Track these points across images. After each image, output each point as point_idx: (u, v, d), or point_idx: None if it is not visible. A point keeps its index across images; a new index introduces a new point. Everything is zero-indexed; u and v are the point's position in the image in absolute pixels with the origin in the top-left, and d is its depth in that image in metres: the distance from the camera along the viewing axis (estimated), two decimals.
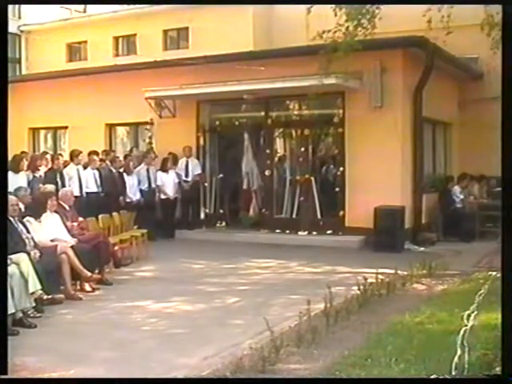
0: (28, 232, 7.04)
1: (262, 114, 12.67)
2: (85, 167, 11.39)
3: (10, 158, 8.14)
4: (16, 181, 8.95)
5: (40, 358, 4.99)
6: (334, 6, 9.02)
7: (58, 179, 10.54)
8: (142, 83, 12.69)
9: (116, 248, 8.90)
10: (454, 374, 3.89)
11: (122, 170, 11.99)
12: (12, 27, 16.47)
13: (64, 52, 17.89)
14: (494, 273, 7.22)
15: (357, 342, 5.19)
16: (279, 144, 13.56)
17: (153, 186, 12.46)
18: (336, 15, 9.01)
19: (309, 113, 12.39)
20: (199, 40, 15.25)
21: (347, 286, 7.19)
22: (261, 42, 14.45)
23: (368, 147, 11.27)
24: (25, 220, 7.22)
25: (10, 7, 15.89)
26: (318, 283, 7.51)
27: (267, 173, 12.60)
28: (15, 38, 18.18)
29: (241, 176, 13.03)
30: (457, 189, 12.79)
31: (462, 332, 4.21)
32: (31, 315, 6.17)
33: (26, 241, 6.88)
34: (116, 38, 17.38)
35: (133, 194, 11.93)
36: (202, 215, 13.24)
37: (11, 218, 6.69)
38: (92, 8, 17.93)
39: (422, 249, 11.02)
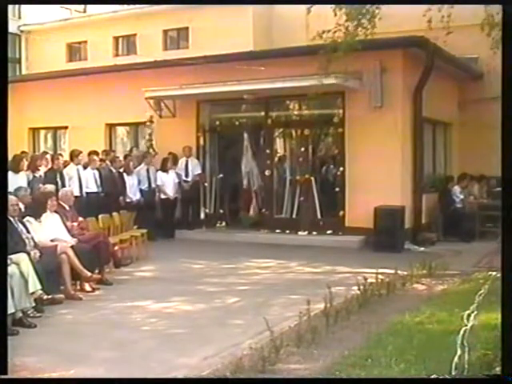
0: (28, 232, 7.04)
1: (262, 114, 12.67)
2: (85, 167, 11.39)
3: (10, 157, 8.14)
4: (16, 181, 8.96)
5: (40, 358, 4.99)
6: (333, 5, 9.02)
7: (58, 179, 10.54)
8: (142, 83, 12.69)
9: (116, 248, 8.90)
10: (453, 373, 3.89)
11: (121, 170, 11.99)
12: (12, 27, 16.46)
13: (64, 52, 17.87)
14: (493, 273, 7.21)
15: (357, 342, 5.19)
16: (279, 144, 13.57)
17: (153, 185, 12.47)
18: (336, 15, 9.00)
19: (309, 113, 12.39)
20: (199, 40, 15.24)
21: (347, 286, 7.19)
22: (261, 42, 14.44)
23: (368, 147, 11.27)
24: (25, 220, 7.22)
25: (10, 7, 15.88)
26: (317, 283, 7.51)
27: (267, 173, 12.61)
28: (15, 38, 18.17)
29: (241, 176, 13.03)
30: (457, 189, 12.79)
31: (461, 332, 4.20)
32: (31, 315, 6.17)
33: (26, 241, 6.88)
34: (116, 38, 17.36)
35: (133, 193, 11.94)
36: (202, 215, 13.24)
37: (11, 218, 6.69)
38: (92, 8, 17.92)
39: (422, 249, 11.02)
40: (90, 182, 11.27)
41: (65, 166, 11.19)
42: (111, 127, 14.70)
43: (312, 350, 5.00)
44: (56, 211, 8.03)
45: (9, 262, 5.62)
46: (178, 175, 12.72)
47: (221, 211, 13.26)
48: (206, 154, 13.38)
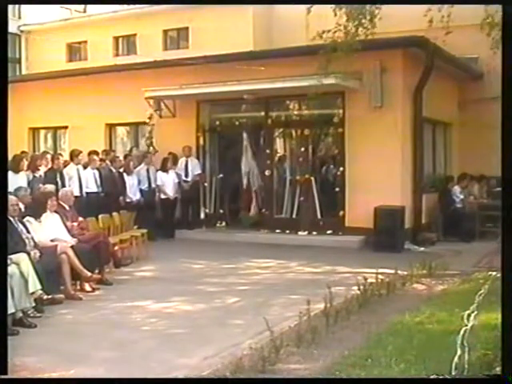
0: (28, 232, 7.04)
1: (262, 114, 12.67)
2: (85, 167, 11.39)
3: (10, 158, 8.14)
4: (16, 181, 8.95)
5: (40, 358, 5.00)
6: (334, 5, 9.02)
7: (58, 179, 10.53)
8: (142, 83, 12.69)
9: (116, 248, 8.90)
10: (454, 374, 3.89)
11: (121, 170, 11.99)
12: (12, 27, 16.47)
13: (64, 52, 17.88)
14: (493, 273, 7.22)
15: (357, 342, 5.19)
16: (279, 144, 13.56)
17: (153, 185, 12.47)
18: (336, 15, 9.00)
19: (309, 113, 12.39)
20: (199, 40, 15.25)
21: (347, 286, 7.18)
22: (261, 42, 14.44)
23: (368, 147, 11.27)
24: (25, 220, 7.22)
25: (10, 7, 15.88)
26: (318, 283, 7.51)
27: (267, 173, 12.60)
28: (15, 38, 18.18)
29: (241, 176, 13.02)
30: (457, 189, 12.79)
31: (462, 332, 4.20)
32: (31, 315, 6.17)
33: (26, 241, 6.88)
34: (116, 38, 17.37)
35: (133, 193, 11.94)
36: (202, 215, 13.24)
37: (11, 218, 6.69)
38: (92, 8, 17.92)
39: (422, 249, 11.02)
40: (90, 181, 11.26)
41: (65, 166, 11.19)
42: (111, 127, 14.70)
43: (312, 350, 5.00)
44: (56, 211, 8.04)
45: (9, 262, 5.62)
46: (178, 175, 12.72)
47: (221, 211, 13.25)
48: (206, 154, 13.38)
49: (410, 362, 4.50)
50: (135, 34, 16.90)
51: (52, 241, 7.56)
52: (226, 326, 6.07)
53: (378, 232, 10.82)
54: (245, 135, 12.97)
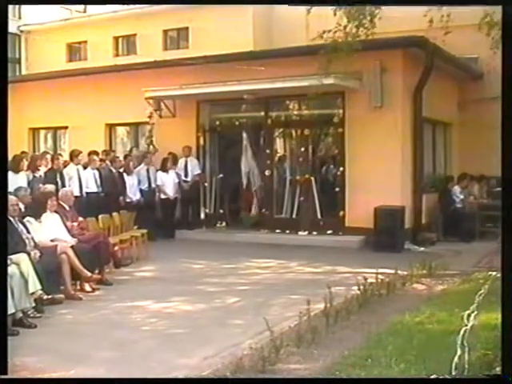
0: (28, 232, 7.04)
1: (262, 114, 12.67)
2: (85, 167, 11.39)
3: (10, 158, 8.14)
4: (16, 181, 8.95)
5: (40, 358, 5.00)
6: (334, 6, 9.01)
7: (58, 179, 10.53)
8: (142, 83, 12.69)
9: (116, 248, 8.90)
10: (454, 373, 3.89)
11: (122, 170, 11.99)
12: (12, 27, 16.47)
13: (64, 52, 17.89)
14: (493, 273, 7.21)
15: (357, 342, 5.19)
16: (279, 144, 13.56)
17: (153, 185, 12.47)
18: (335, 15, 8.99)
19: (309, 113, 12.39)
20: (199, 40, 15.25)
21: (347, 286, 7.18)
22: (261, 42, 14.45)
23: (368, 147, 11.27)
24: (25, 220, 7.22)
25: (10, 7, 15.85)
26: (318, 283, 7.50)
27: (267, 173, 12.60)
28: (15, 38, 18.17)
29: (241, 176, 13.02)
30: (457, 189, 12.79)
31: (462, 332, 4.20)
32: (31, 315, 6.17)
33: (26, 241, 6.88)
34: (116, 38, 17.37)
35: (133, 194, 11.94)
36: (202, 215, 13.24)
37: (11, 218, 6.69)
38: (92, 8, 17.91)
39: (422, 249, 11.02)
40: (90, 182, 11.26)
41: (65, 166, 11.19)
42: (111, 127, 14.70)
43: (312, 350, 5.00)
44: (56, 211, 8.04)
45: (9, 262, 5.62)
46: (178, 175, 12.72)
47: (221, 211, 13.25)
48: (206, 154, 13.38)
49: (410, 361, 4.50)
50: (135, 34, 16.90)
51: (52, 241, 7.56)
52: (226, 326, 6.07)
53: (378, 232, 10.82)
54: (245, 135, 12.97)
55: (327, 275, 8.44)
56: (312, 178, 12.25)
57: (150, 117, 13.29)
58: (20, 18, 18.35)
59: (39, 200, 8.05)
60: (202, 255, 10.22)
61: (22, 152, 12.14)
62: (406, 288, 7.55)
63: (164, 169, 12.48)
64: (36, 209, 7.77)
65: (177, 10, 15.19)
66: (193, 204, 13.13)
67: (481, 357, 4.26)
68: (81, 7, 19.01)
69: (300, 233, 11.93)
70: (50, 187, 9.26)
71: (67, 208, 8.50)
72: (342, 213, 11.75)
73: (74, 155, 11.46)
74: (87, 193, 11.16)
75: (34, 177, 10.15)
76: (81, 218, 8.76)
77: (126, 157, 12.57)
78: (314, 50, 9.64)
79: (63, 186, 10.28)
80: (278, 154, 13.38)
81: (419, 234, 11.51)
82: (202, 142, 13.27)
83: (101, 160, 11.86)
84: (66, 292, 7.12)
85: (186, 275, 8.72)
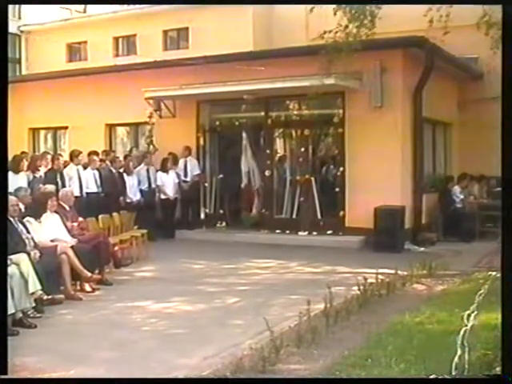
0: (28, 232, 7.04)
1: (262, 114, 12.67)
2: (85, 167, 11.39)
3: (10, 158, 8.14)
4: (16, 181, 8.96)
5: (40, 358, 5.00)
6: (334, 6, 9.01)
7: (58, 179, 10.54)
8: (142, 83, 12.69)
9: (116, 248, 8.90)
10: (454, 373, 3.89)
11: (122, 170, 11.99)
12: (12, 27, 16.47)
13: (64, 52, 17.89)
14: (493, 273, 7.21)
15: (357, 342, 5.19)
16: (279, 144, 13.56)
17: (153, 186, 12.47)
18: (335, 14, 9.00)
19: (309, 113, 12.39)
20: (199, 40, 15.25)
21: (347, 286, 7.18)
22: (261, 42, 14.45)
23: (368, 147, 11.27)
24: (25, 220, 7.22)
25: (10, 7, 15.87)
26: (318, 283, 7.50)
27: (267, 173, 12.60)
28: (15, 38, 18.18)
29: (241, 176, 13.02)
30: (457, 189, 12.79)
31: (462, 332, 4.20)
32: (31, 315, 6.17)
33: (26, 241, 6.88)
34: (116, 38, 17.38)
35: (133, 194, 11.94)
36: (202, 215, 13.24)
37: (11, 219, 6.69)
38: (92, 8, 17.93)
39: (422, 249, 11.02)
40: (90, 182, 11.26)
41: (65, 167, 11.19)
42: (111, 127, 14.70)
43: (312, 350, 5.00)
44: (56, 211, 8.04)
45: (9, 262, 5.62)
46: (178, 175, 12.72)
47: (221, 211, 13.25)
48: (206, 154, 13.38)
49: (410, 361, 4.50)
50: (135, 35, 16.90)
51: (52, 241, 7.56)
52: (226, 326, 6.07)
53: (378, 232, 10.81)
54: (245, 135, 12.97)
55: (327, 275, 8.44)
56: (312, 178, 12.25)
57: (149, 117, 13.29)
58: (20, 18, 18.35)
59: (39, 200, 8.05)
60: (202, 255, 10.22)
61: (22, 152, 12.14)
62: (406, 288, 7.55)
63: (164, 169, 12.48)
64: (36, 209, 7.77)
65: (177, 10, 15.21)
66: (193, 204, 13.13)
67: (481, 357, 4.26)
68: (81, 7, 19.01)
69: (300, 233, 11.93)
70: (50, 187, 9.27)
71: (67, 208, 8.50)
72: (342, 213, 11.75)
73: (74, 155, 11.46)
74: (87, 193, 11.16)
75: (34, 177, 10.16)
76: (81, 219, 8.76)
77: (125, 157, 12.57)
78: (314, 50, 9.65)
79: (63, 186, 10.29)
80: (278, 154, 13.37)
81: (419, 234, 11.51)
82: (201, 142, 13.27)
83: (101, 160, 11.86)
84: (66, 292, 7.12)
85: (185, 275, 8.72)
